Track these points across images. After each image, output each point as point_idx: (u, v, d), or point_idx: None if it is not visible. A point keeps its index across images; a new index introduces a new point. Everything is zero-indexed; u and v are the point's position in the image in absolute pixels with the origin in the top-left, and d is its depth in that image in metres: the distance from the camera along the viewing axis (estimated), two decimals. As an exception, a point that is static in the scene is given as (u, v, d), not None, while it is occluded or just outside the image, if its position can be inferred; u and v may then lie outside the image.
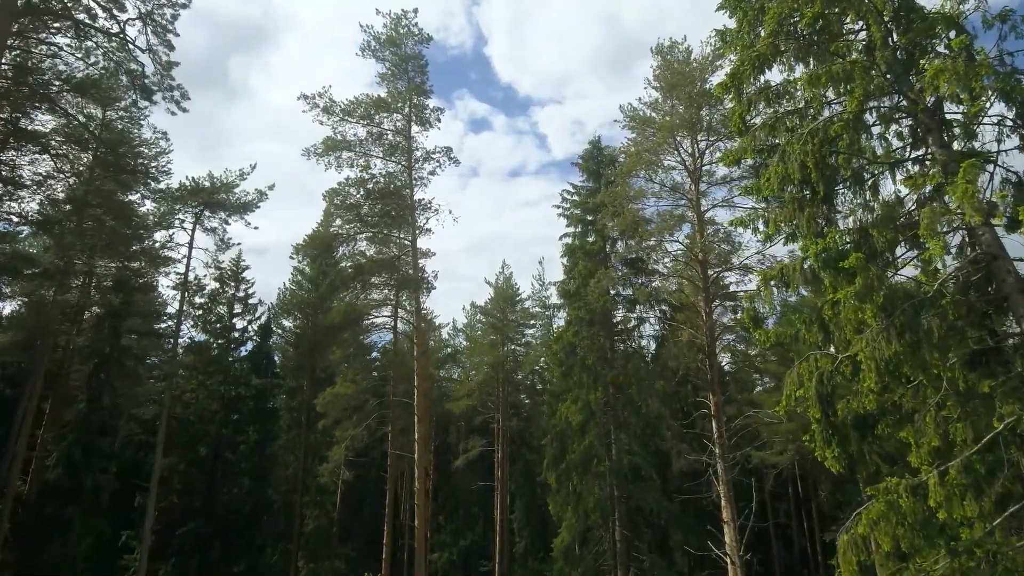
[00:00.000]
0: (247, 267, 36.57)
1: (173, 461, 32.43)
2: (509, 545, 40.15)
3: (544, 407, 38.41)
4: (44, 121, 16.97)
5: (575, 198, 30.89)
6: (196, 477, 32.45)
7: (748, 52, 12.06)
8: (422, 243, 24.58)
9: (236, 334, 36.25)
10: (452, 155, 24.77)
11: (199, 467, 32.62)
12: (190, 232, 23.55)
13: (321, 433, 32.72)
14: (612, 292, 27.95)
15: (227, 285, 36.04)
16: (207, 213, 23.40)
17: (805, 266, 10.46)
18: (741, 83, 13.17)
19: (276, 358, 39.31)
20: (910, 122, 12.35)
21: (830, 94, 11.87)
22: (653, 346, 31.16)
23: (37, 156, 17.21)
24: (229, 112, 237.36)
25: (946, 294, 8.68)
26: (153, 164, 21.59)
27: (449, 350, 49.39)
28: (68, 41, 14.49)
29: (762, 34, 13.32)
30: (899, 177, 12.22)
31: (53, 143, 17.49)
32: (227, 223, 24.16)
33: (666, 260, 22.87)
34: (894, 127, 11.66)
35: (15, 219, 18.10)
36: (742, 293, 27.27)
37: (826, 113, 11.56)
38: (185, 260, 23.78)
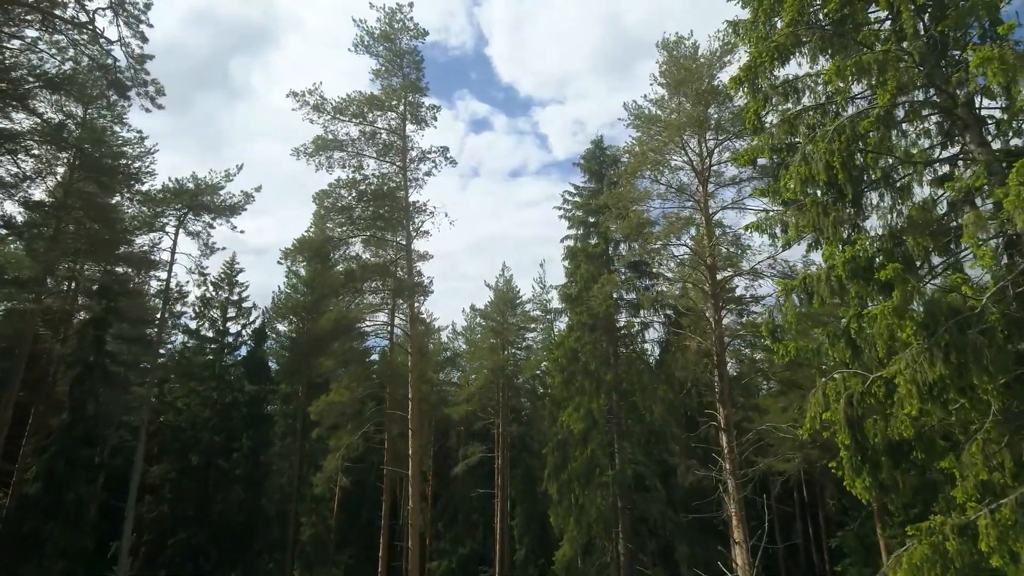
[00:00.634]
0: (241, 270, 35.83)
1: (164, 469, 31.64)
2: (510, 553, 39.31)
3: (546, 412, 37.59)
4: (19, 120, 16.12)
5: (577, 199, 29.99)
6: (188, 485, 31.63)
7: (766, 43, 11.14)
8: (419, 246, 23.65)
9: (230, 338, 35.45)
10: (449, 155, 23.82)
11: (191, 475, 31.79)
12: (173, 236, 22.66)
13: (316, 440, 31.89)
14: (615, 296, 27.07)
15: (221, 288, 35.26)
16: (191, 216, 22.47)
17: (831, 276, 9.53)
18: (756, 77, 12.26)
19: (271, 363, 38.46)
20: (937, 118, 11.47)
21: (855, 88, 10.97)
22: (657, 351, 30.28)
23: (10, 156, 16.27)
24: (230, 112, 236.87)
25: (994, 309, 7.75)
26: (136, 165, 20.70)
27: (448, 353, 48.52)
28: (37, 34, 13.65)
29: (779, 24, 12.43)
30: (926, 178, 11.34)
31: (30, 143, 16.61)
32: (211, 226, 23.26)
33: (672, 264, 21.94)
34: (919, 124, 10.76)
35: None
36: (749, 297, 26.52)
37: (851, 109, 10.65)
38: (168, 266, 22.85)
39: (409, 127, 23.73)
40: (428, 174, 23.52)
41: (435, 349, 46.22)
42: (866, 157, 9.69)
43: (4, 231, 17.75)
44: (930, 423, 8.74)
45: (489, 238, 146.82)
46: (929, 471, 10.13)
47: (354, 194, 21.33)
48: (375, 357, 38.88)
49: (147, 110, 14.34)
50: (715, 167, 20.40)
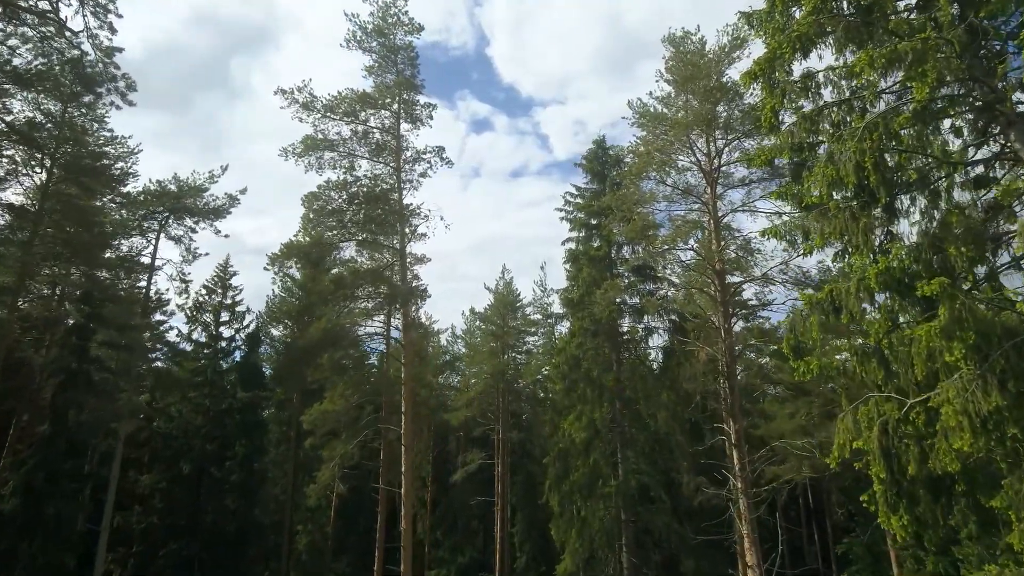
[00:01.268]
0: (235, 273, 34.92)
1: (154, 479, 30.81)
2: (510, 561, 38.50)
3: (547, 417, 36.75)
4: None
5: (578, 201, 29.10)
6: (179, 494, 30.78)
7: (787, 34, 10.21)
8: (416, 249, 22.71)
9: (223, 343, 34.58)
10: (445, 155, 22.82)
11: (183, 484, 30.93)
12: (153, 241, 21.72)
13: (310, 449, 31.03)
14: (618, 300, 26.16)
15: (214, 292, 34.41)
16: (172, 220, 21.54)
17: (861, 288, 8.61)
18: (773, 71, 11.33)
19: (265, 368, 37.57)
20: (970, 116, 10.55)
21: (884, 82, 10.05)
22: (661, 357, 29.37)
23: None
24: (231, 113, 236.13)
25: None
26: (119, 165, 19.71)
27: (448, 357, 47.65)
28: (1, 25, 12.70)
29: (798, 15, 11.52)
30: (956, 179, 10.42)
31: (3, 143, 15.72)
32: (194, 231, 22.30)
33: (677, 268, 21.01)
34: (955, 120, 9.84)
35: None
36: (756, 301, 25.60)
37: (880, 105, 9.73)
38: (148, 272, 21.84)
39: (404, 126, 22.80)
40: (423, 175, 22.57)
41: (434, 352, 45.39)
42: (899, 157, 8.75)
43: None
44: (975, 454, 7.82)
45: (490, 238, 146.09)
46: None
47: (345, 196, 20.35)
48: (373, 360, 38.11)
49: (117, 107, 13.49)
50: (724, 168, 19.46)
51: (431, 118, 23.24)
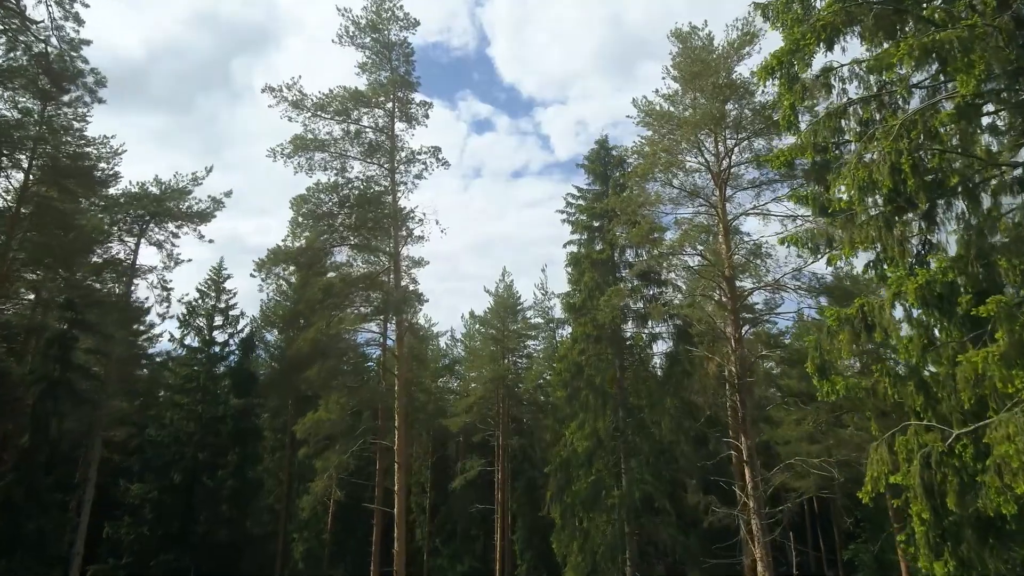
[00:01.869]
0: (229, 276, 34.09)
1: (145, 487, 29.97)
2: (511, 569, 37.71)
3: (548, 422, 35.98)
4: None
5: (580, 202, 28.27)
6: (171, 504, 29.93)
7: (810, 24, 9.34)
8: (414, 251, 21.78)
9: (217, 348, 33.74)
10: (441, 156, 21.89)
11: (174, 493, 30.10)
12: (133, 247, 20.80)
13: (305, 458, 30.18)
14: (621, 305, 25.30)
15: (207, 295, 33.60)
16: (153, 225, 20.61)
17: (897, 305, 7.75)
18: (792, 65, 10.47)
19: (260, 374, 36.72)
20: (1009, 113, 9.67)
21: (916, 76, 9.19)
22: (667, 363, 28.48)
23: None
24: (232, 114, 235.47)
25: None
26: (101, 166, 18.77)
27: (447, 360, 46.84)
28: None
29: (819, 4, 10.66)
30: (994, 183, 9.55)
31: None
32: (176, 235, 21.35)
33: (684, 273, 20.12)
34: (1003, 118, 8.98)
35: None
36: (762, 305, 24.71)
37: (915, 102, 8.88)
38: (128, 279, 20.91)
39: (398, 125, 21.88)
40: (419, 177, 21.65)
41: (433, 356, 44.60)
42: (937, 158, 7.88)
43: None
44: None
45: (491, 239, 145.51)
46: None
47: (336, 199, 19.44)
48: (372, 364, 37.29)
49: (86, 103, 12.65)
50: (733, 168, 18.57)
51: (427, 117, 22.36)
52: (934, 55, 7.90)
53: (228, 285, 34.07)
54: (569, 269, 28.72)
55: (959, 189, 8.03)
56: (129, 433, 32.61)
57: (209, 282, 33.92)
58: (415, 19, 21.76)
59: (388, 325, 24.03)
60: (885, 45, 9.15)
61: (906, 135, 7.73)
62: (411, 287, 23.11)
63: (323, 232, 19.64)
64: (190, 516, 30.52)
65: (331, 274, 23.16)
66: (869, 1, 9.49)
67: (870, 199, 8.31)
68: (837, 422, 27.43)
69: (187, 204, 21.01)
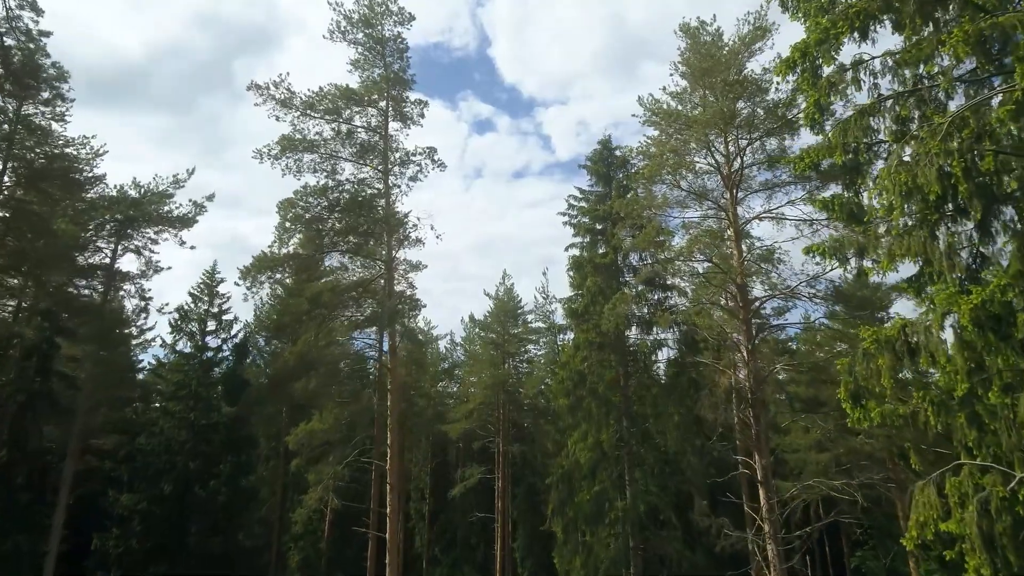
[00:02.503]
0: (222, 279, 33.18)
1: (134, 499, 29.08)
2: (512, 577, 36.90)
3: (550, 428, 35.17)
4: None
5: (583, 204, 27.36)
6: (162, 515, 29.03)
7: (841, 10, 8.43)
8: (410, 255, 20.89)
9: (210, 354, 32.85)
10: (437, 157, 20.89)
11: (165, 504, 29.19)
12: (110, 253, 19.84)
13: (298, 469, 29.31)
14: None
15: (200, 300, 32.73)
16: (129, 230, 19.68)
17: (946, 327, 6.83)
18: (817, 58, 9.56)
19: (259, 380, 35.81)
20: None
21: (959, 69, 8.26)
22: (672, 371, 27.55)
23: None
24: (233, 114, 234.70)
25: None
26: (80, 168, 17.81)
27: (447, 364, 45.97)
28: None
29: (846, -8, 9.74)
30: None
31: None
32: (155, 241, 20.39)
33: (692, 280, 19.18)
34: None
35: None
36: (768, 311, 23.76)
37: (959, 97, 7.95)
38: (104, 286, 19.97)
39: (392, 125, 20.86)
40: (414, 179, 20.60)
41: (432, 360, 43.71)
42: (992, 161, 6.95)
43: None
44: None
45: (492, 239, 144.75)
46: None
47: (326, 203, 18.49)
48: (371, 365, 36.39)
49: (49, 100, 11.74)
50: (745, 170, 17.63)
51: (423, 116, 21.35)
52: (986, 44, 6.98)
53: (223, 289, 33.27)
54: (571, 273, 27.84)
55: (1018, 195, 7.10)
56: (118, 442, 31.75)
57: (202, 286, 33.03)
58: (410, 14, 20.85)
59: (382, 335, 23.13)
60: (924, 33, 8.23)
61: (957, 134, 6.82)
62: (408, 292, 22.21)
63: (313, 238, 18.71)
64: (182, 527, 29.62)
65: (324, 280, 22.28)
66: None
67: (911, 206, 7.42)
68: (847, 430, 26.56)
69: (167, 208, 20.06)
